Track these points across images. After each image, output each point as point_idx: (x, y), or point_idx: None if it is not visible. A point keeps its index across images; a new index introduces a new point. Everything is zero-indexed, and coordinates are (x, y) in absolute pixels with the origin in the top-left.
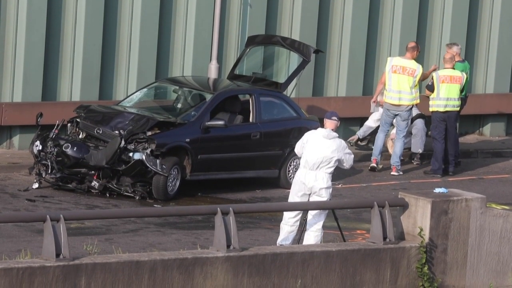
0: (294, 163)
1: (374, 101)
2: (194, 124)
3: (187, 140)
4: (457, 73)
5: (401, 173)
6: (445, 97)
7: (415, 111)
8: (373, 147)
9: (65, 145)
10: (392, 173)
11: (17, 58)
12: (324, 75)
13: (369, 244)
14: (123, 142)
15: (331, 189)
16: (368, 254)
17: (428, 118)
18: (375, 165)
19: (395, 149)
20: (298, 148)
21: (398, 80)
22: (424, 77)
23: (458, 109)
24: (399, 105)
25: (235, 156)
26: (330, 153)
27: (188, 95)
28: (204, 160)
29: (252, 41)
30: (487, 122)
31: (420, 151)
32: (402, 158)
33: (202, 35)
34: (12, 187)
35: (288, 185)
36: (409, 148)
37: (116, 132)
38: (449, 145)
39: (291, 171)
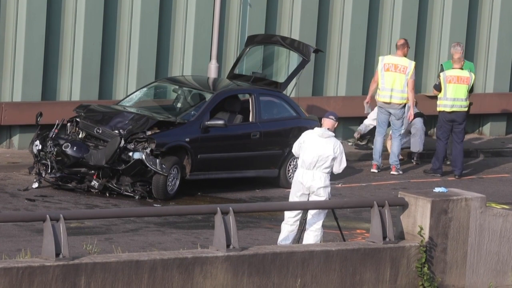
0: (294, 163)
1: (367, 102)
2: (193, 124)
3: (187, 139)
4: (465, 73)
5: (400, 172)
6: (452, 97)
7: (414, 110)
8: (372, 146)
9: (65, 144)
10: (391, 172)
11: (17, 58)
12: (323, 75)
13: (369, 243)
14: (122, 142)
15: (329, 188)
16: (368, 254)
17: (427, 117)
18: (375, 170)
19: (393, 149)
20: (296, 148)
21: (390, 78)
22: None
23: (465, 109)
24: (389, 103)
25: (234, 155)
26: (326, 151)
27: (188, 95)
28: (204, 160)
29: (252, 40)
30: (487, 121)
31: (420, 150)
32: (401, 157)
33: (202, 35)
34: (12, 186)
35: (288, 185)
36: (409, 148)
37: (116, 131)
38: (455, 146)
39: (290, 170)
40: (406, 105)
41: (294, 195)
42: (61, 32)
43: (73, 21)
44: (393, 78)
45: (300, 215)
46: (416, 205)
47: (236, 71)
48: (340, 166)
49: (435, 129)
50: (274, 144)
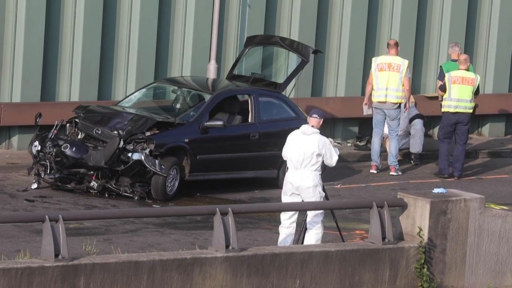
0: None
1: (366, 103)
2: (193, 125)
3: (186, 140)
4: (470, 74)
5: (399, 173)
6: (456, 98)
7: (414, 112)
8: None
9: (64, 145)
10: (390, 173)
11: (16, 58)
12: (323, 76)
13: (368, 244)
14: (122, 143)
15: (320, 187)
16: (367, 254)
17: (427, 119)
18: (375, 171)
19: (390, 149)
20: (283, 150)
21: (384, 77)
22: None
23: (470, 111)
24: (385, 102)
25: (234, 156)
26: (310, 148)
27: (187, 96)
28: (203, 160)
29: (251, 41)
30: (486, 122)
31: (419, 151)
32: (400, 158)
33: (201, 36)
34: (11, 187)
35: None
36: (408, 148)
37: (115, 132)
38: (457, 147)
39: None
40: (401, 105)
41: (285, 195)
42: (60, 33)
43: (72, 22)
44: (388, 77)
45: (296, 216)
46: (415, 206)
47: (235, 71)
48: (332, 159)
49: (433, 130)
50: (273, 145)
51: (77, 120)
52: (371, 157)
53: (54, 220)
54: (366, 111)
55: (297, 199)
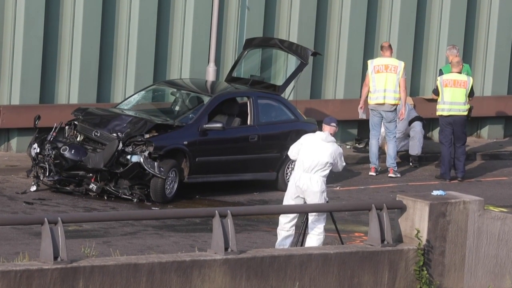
0: (292, 166)
1: (361, 107)
2: (192, 127)
3: (185, 142)
4: (462, 77)
5: (398, 175)
6: (449, 101)
7: (413, 114)
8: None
9: (63, 147)
10: (389, 175)
11: (15, 61)
12: (322, 78)
13: (367, 246)
14: (121, 145)
15: (325, 193)
16: (366, 257)
17: (426, 121)
18: (374, 173)
19: (388, 152)
20: (294, 151)
21: (382, 79)
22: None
23: (465, 113)
24: (383, 104)
25: (233, 158)
26: (326, 156)
27: (186, 98)
28: (202, 163)
29: (250, 43)
30: (485, 124)
31: (418, 153)
32: (399, 160)
33: (200, 38)
34: (10, 189)
35: (286, 188)
36: (407, 151)
37: (114, 134)
38: (456, 149)
39: (288, 173)
40: (397, 107)
41: (290, 198)
42: (59, 35)
43: (71, 24)
44: (385, 78)
45: (295, 220)
46: (414, 208)
47: (234, 74)
48: (339, 167)
49: (433, 132)
50: (272, 147)
51: (76, 122)
52: (370, 159)
53: (53, 222)
54: (361, 115)
55: (300, 203)
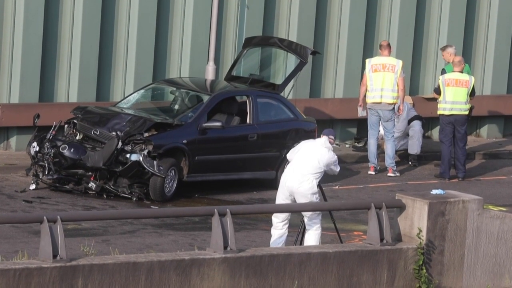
0: None
1: (360, 105)
2: (191, 126)
3: (184, 141)
4: (464, 76)
5: (397, 174)
6: (451, 100)
7: (412, 113)
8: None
9: (62, 146)
10: (388, 174)
11: (15, 59)
12: (321, 77)
13: (366, 245)
14: (120, 144)
15: (316, 195)
16: (365, 256)
17: (425, 120)
18: (373, 172)
19: (387, 151)
20: (292, 155)
21: (379, 78)
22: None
23: (466, 113)
24: (380, 103)
25: (232, 157)
26: (320, 162)
27: (185, 97)
28: (201, 162)
29: (249, 42)
30: (484, 123)
31: (417, 152)
32: (398, 159)
33: (200, 37)
34: (9, 188)
35: None
36: (406, 149)
37: (113, 133)
38: (456, 149)
39: None
40: (395, 107)
41: (280, 199)
42: (59, 34)
43: (70, 22)
44: (382, 77)
45: (288, 218)
46: (413, 207)
47: (234, 73)
48: (334, 173)
49: (432, 131)
50: (272, 146)
51: (75, 121)
52: (369, 158)
53: (52, 221)
54: (361, 113)
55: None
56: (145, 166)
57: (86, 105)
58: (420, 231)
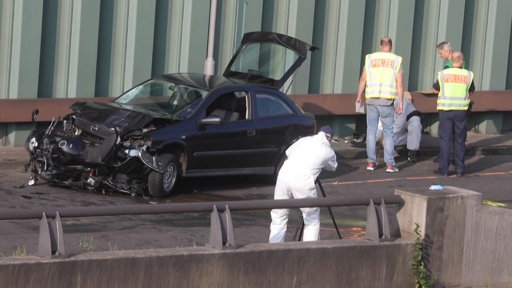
0: None
1: (358, 101)
2: (190, 121)
3: (183, 137)
4: (463, 72)
5: (396, 170)
6: (450, 96)
7: (411, 109)
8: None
9: (61, 142)
10: (387, 170)
11: (13, 55)
12: (320, 72)
13: (365, 241)
14: (119, 139)
15: (314, 190)
16: (364, 251)
17: (424, 116)
18: (372, 168)
19: (386, 147)
20: (291, 150)
21: (378, 73)
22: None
23: (465, 108)
24: (378, 98)
25: (231, 153)
26: (317, 158)
27: (184, 92)
28: (200, 157)
29: (248, 38)
30: (482, 119)
31: (416, 148)
32: (397, 155)
33: (198, 32)
34: (8, 184)
35: None
36: (405, 145)
37: (112, 129)
38: (455, 145)
39: None
40: (394, 102)
41: (278, 194)
42: (58, 29)
43: (69, 18)
44: (381, 73)
45: (287, 213)
46: (412, 202)
47: (233, 68)
48: (332, 169)
49: (431, 127)
50: (270, 142)
51: (74, 116)
52: (367, 154)
53: (51, 216)
54: (359, 109)
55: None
56: (144, 161)
57: (84, 100)
58: (418, 226)
